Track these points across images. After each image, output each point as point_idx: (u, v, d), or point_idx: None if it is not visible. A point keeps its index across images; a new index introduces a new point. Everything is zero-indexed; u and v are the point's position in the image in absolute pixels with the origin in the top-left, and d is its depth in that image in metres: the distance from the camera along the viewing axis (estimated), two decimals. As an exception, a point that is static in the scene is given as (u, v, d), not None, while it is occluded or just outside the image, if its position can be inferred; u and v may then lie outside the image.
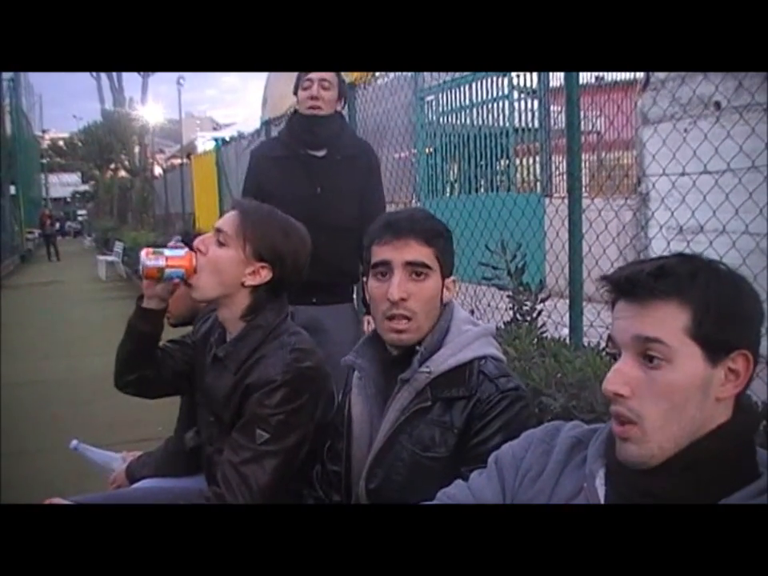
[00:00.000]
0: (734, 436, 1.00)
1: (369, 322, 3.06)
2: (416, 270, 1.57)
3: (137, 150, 39.30)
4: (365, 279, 1.69)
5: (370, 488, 1.61)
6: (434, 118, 7.85)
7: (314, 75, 3.01)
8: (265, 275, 1.79)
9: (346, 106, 5.12)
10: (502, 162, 7.62)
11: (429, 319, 1.60)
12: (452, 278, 1.66)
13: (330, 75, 3.04)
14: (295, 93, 3.11)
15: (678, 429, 0.99)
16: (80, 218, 51.71)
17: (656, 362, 1.00)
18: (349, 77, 6.39)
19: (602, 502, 1.06)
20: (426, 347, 1.58)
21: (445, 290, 1.64)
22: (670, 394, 0.99)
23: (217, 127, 43.64)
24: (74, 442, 2.48)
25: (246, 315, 1.81)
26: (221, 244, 1.78)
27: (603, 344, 2.54)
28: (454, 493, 1.22)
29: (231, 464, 1.72)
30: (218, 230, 1.79)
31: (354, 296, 3.35)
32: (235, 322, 1.82)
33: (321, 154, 3.07)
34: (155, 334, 1.96)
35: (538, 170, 8.12)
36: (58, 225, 35.52)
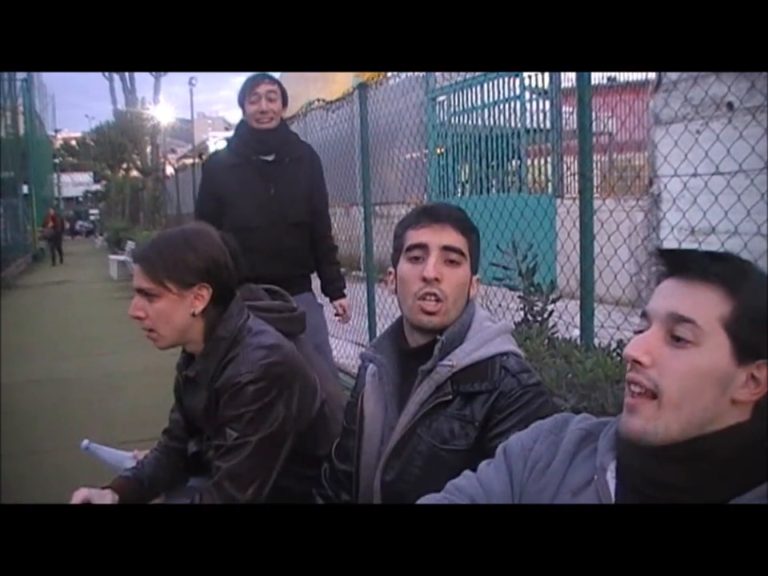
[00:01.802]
0: (749, 435, 1.00)
1: (340, 306, 3.57)
2: (450, 255, 1.59)
3: (149, 150, 39.30)
4: (391, 271, 1.69)
5: (386, 480, 1.61)
6: (446, 118, 7.86)
7: (260, 90, 3.25)
8: (206, 294, 1.79)
9: (358, 106, 5.17)
10: (514, 163, 7.63)
11: (455, 308, 1.61)
12: (476, 276, 1.68)
13: (274, 87, 3.28)
14: (241, 105, 3.34)
15: (690, 413, 0.99)
16: (92, 218, 51.98)
17: (683, 343, 0.99)
18: (361, 77, 6.40)
19: (613, 495, 1.06)
20: (447, 337, 1.59)
21: (470, 286, 1.65)
22: (689, 376, 0.98)
23: (229, 127, 43.71)
24: (86, 442, 2.48)
25: (207, 336, 1.82)
26: (151, 297, 1.77)
27: (614, 345, 2.55)
28: (464, 484, 1.22)
29: (212, 463, 1.75)
30: (139, 290, 1.78)
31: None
32: (200, 344, 1.84)
33: (270, 158, 3.34)
34: (151, 488, 1.97)
35: (549, 171, 8.12)
36: (68, 225, 35.39)
